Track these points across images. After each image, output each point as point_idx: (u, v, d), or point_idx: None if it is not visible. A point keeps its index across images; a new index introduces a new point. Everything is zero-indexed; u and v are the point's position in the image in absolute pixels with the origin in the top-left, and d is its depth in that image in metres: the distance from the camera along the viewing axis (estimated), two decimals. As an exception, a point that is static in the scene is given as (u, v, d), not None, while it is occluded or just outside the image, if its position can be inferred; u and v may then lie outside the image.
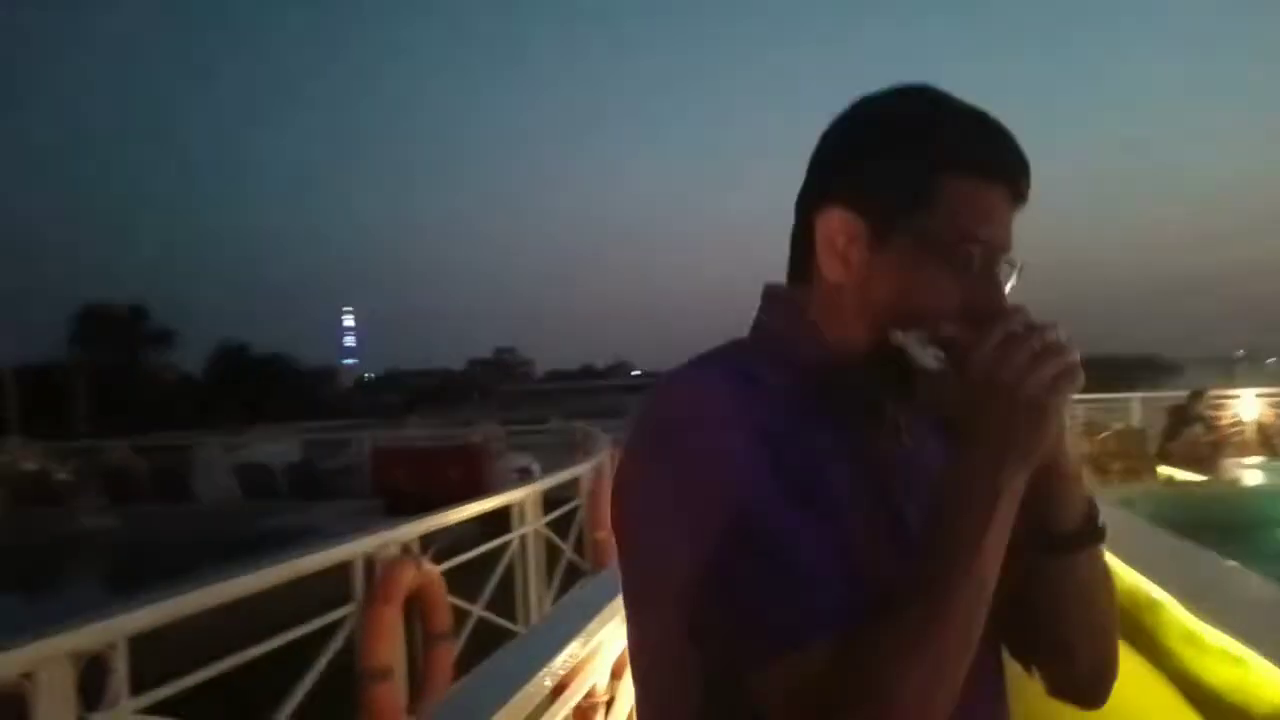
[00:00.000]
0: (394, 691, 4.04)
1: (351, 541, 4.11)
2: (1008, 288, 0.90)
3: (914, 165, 0.88)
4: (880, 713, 0.75)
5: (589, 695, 2.29)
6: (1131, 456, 12.53)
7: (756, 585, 0.79)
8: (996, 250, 0.89)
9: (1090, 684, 0.99)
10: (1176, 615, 4.93)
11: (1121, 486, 11.21)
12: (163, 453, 17.93)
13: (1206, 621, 4.57)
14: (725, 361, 0.93)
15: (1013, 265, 0.91)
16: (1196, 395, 12.75)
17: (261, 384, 66.45)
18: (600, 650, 2.30)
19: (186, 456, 16.96)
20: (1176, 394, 13.69)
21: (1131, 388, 17.16)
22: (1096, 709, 1.01)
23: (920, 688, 0.76)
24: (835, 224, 0.91)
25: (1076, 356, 0.80)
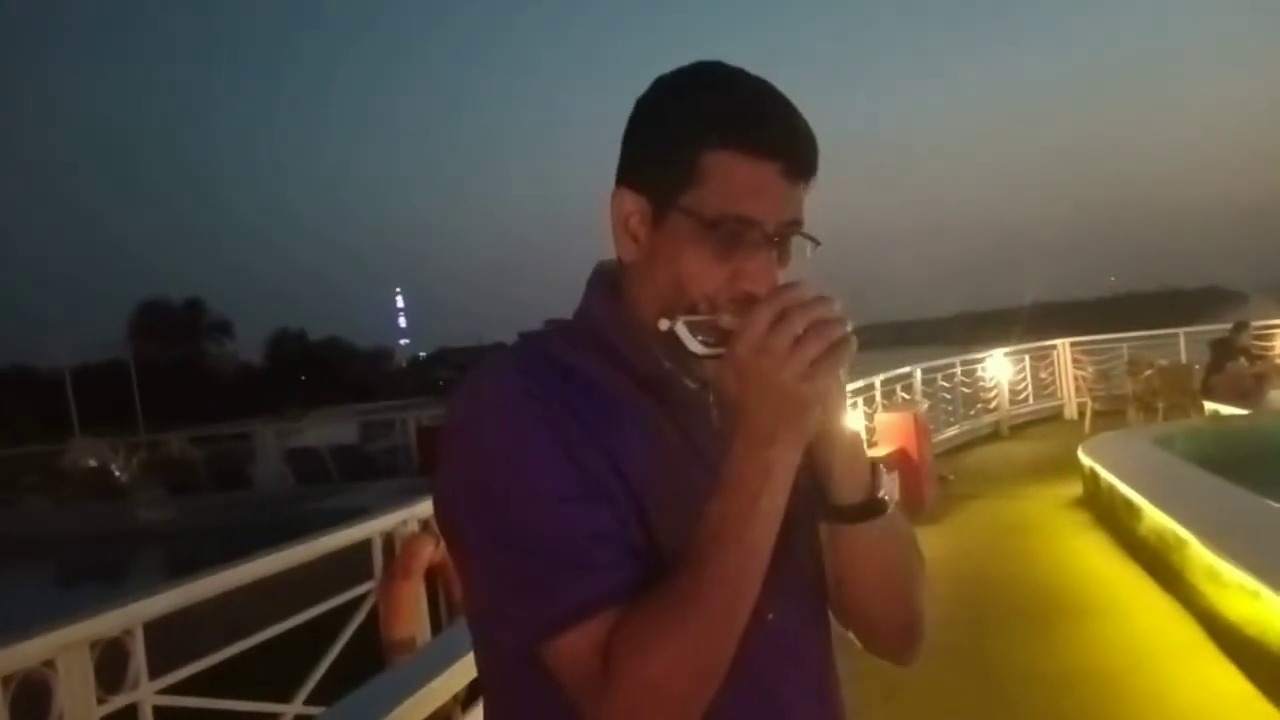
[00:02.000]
0: (417, 662, 4.19)
1: (370, 520, 4.25)
2: (794, 262, 0.90)
3: (679, 142, 0.88)
4: (649, 673, 0.80)
5: None
6: (1176, 393, 12.31)
7: (546, 570, 0.83)
8: (774, 227, 0.88)
9: (896, 644, 1.03)
10: (1200, 553, 4.94)
11: (1166, 424, 11.07)
12: (220, 442, 18.43)
13: (1226, 558, 4.58)
14: (535, 354, 0.94)
15: (811, 239, 0.91)
16: (1240, 327, 12.41)
17: (319, 368, 67.65)
18: None
19: (243, 445, 17.43)
20: (1221, 327, 13.34)
21: (1192, 321, 16.80)
22: (906, 666, 1.04)
23: (690, 644, 0.81)
24: (626, 203, 0.92)
25: (844, 331, 0.81)
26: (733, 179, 0.87)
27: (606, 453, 0.87)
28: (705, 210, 0.87)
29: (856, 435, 0.95)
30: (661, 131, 0.90)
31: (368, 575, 4.22)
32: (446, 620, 4.65)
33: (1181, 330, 15.27)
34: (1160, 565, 5.70)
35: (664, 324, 0.86)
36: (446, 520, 0.93)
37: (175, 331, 64.05)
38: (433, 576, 4.53)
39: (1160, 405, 12.38)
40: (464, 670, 2.01)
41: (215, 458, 16.01)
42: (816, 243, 0.91)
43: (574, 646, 0.82)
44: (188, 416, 38.17)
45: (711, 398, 0.93)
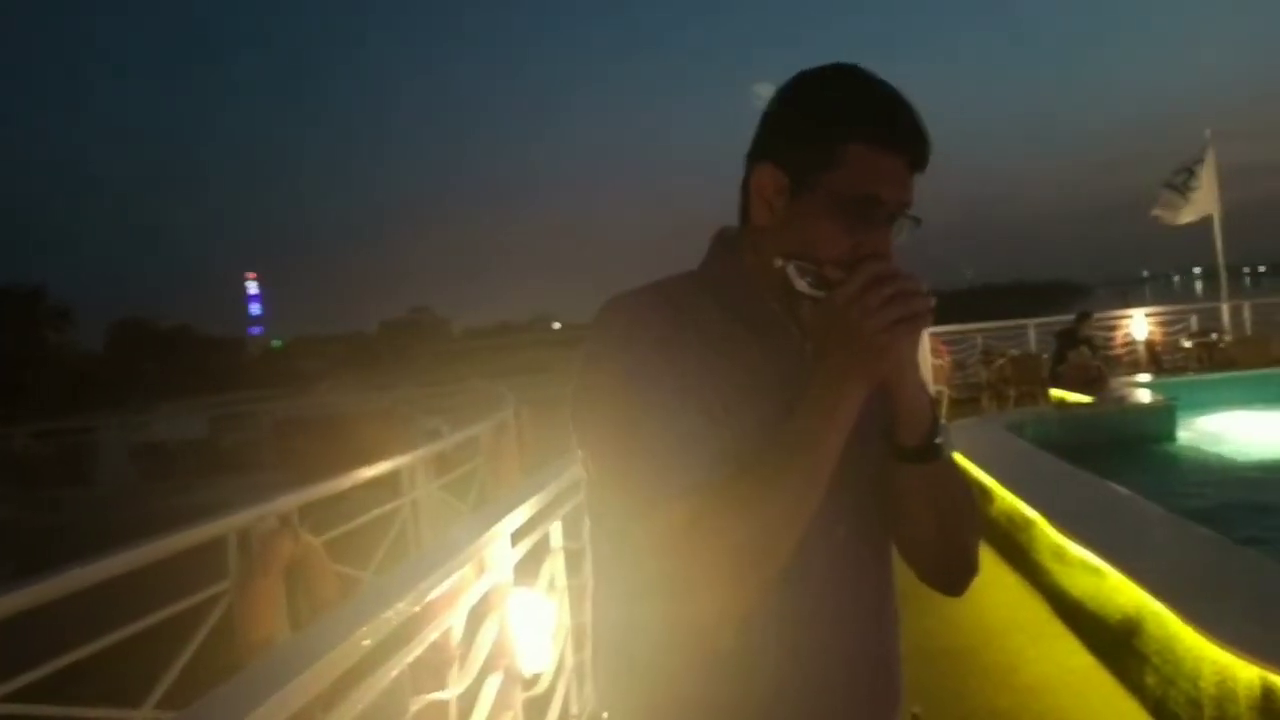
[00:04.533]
0: (277, 662, 4.02)
1: (224, 517, 4.05)
2: (899, 238, 1.08)
3: (826, 132, 1.06)
4: (726, 540, 0.98)
5: (438, 648, 2.30)
6: (1026, 381, 12.96)
7: (661, 458, 1.02)
8: (894, 208, 1.07)
9: (947, 575, 1.22)
10: (1047, 532, 5.19)
11: (1017, 411, 11.64)
12: (63, 437, 17.45)
13: (1070, 538, 4.84)
14: (656, 292, 1.14)
15: (915, 220, 1.09)
16: (1083, 318, 13.15)
17: (167, 358, 64.48)
18: (457, 598, 2.30)
19: (87, 440, 16.50)
20: (1067, 318, 14.10)
21: (1041, 312, 17.66)
22: (956, 596, 1.24)
23: (759, 525, 0.99)
24: (765, 177, 1.10)
25: (926, 304, 1.00)
26: (869, 167, 1.05)
27: (711, 373, 1.07)
28: (843, 190, 1.05)
29: (924, 390, 1.12)
30: (810, 122, 1.08)
31: (222, 574, 4.02)
32: (307, 618, 4.50)
33: (1031, 322, 16.08)
34: (1011, 545, 5.98)
35: (778, 262, 1.07)
36: (581, 421, 1.11)
37: (14, 320, 59.79)
38: (292, 574, 4.37)
39: (1012, 393, 13.02)
40: (326, 669, 1.94)
41: (56, 453, 15.15)
42: (919, 222, 1.10)
43: (668, 520, 1.00)
44: (30, 408, 35.89)
45: (803, 336, 1.12)
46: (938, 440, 1.12)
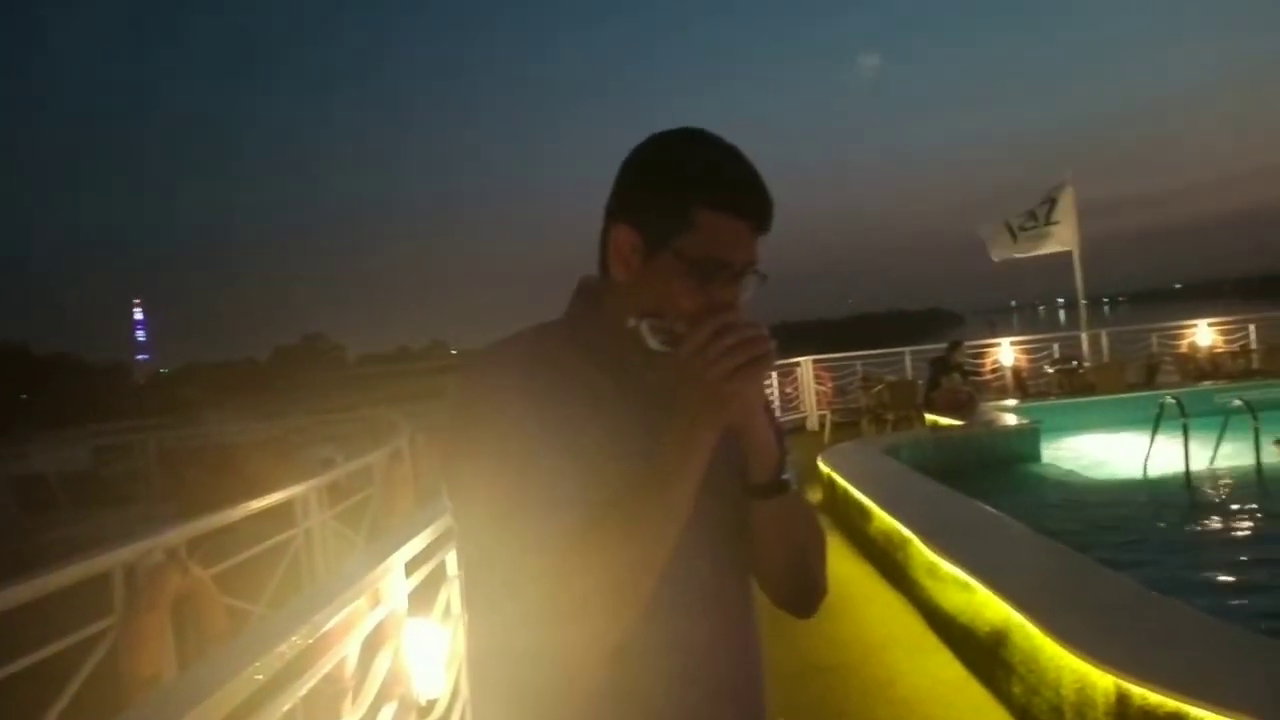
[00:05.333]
0: (165, 699, 3.95)
1: (109, 552, 3.97)
2: (747, 295, 1.17)
3: (677, 198, 1.14)
4: (590, 581, 1.06)
5: (332, 679, 2.32)
6: (902, 406, 13.39)
7: (526, 504, 1.09)
8: (741, 268, 1.15)
9: (799, 600, 1.31)
10: (921, 550, 5.45)
11: (894, 434, 12.02)
12: (-73, 470, 16.42)
13: (942, 555, 5.09)
14: (523, 344, 1.22)
15: (762, 276, 1.18)
16: (954, 346, 13.72)
17: (44, 386, 61.37)
18: (351, 630, 2.34)
19: (-46, 473, 15.58)
20: (939, 347, 14.66)
21: (916, 340, 18.26)
22: (808, 618, 1.32)
23: (623, 563, 1.07)
24: (622, 237, 1.17)
25: (767, 349, 1.08)
26: (717, 231, 1.14)
27: (578, 423, 1.14)
28: (694, 252, 1.13)
29: (770, 431, 1.22)
30: (661, 188, 1.15)
31: (107, 610, 3.94)
32: (195, 654, 4.43)
33: (907, 349, 16.65)
34: (888, 563, 6.23)
35: (631, 322, 1.15)
36: (454, 473, 1.16)
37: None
38: (180, 608, 4.30)
39: (890, 417, 13.44)
40: (217, 705, 1.95)
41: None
42: (765, 278, 1.18)
43: (550, 556, 1.07)
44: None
45: (660, 388, 1.17)
46: (785, 476, 1.22)
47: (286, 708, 1.99)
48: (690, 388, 1.08)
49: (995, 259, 14.95)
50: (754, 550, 1.26)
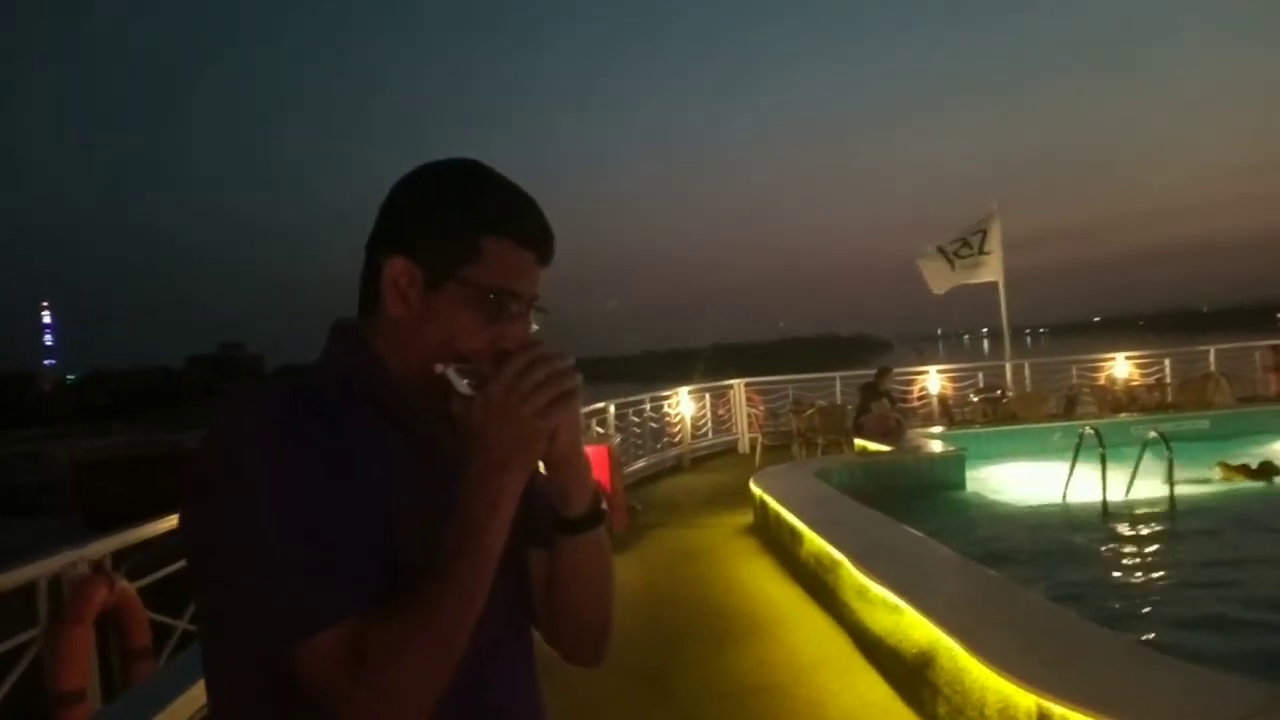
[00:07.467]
0: (87, 713, 3.87)
1: (34, 563, 3.88)
2: (534, 328, 1.12)
3: (464, 228, 1.08)
4: (399, 676, 0.94)
5: None
6: (833, 430, 13.60)
7: (304, 582, 0.94)
8: (527, 301, 1.11)
9: (595, 645, 1.24)
10: (851, 572, 5.54)
11: (825, 458, 12.19)
12: None
13: (871, 578, 5.18)
14: (287, 391, 1.06)
15: (543, 311, 1.14)
16: (883, 373, 13.99)
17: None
18: None
19: None
20: (868, 373, 14.93)
21: (846, 365, 18.58)
22: (598, 666, 1.25)
23: (433, 648, 0.96)
24: (398, 270, 1.08)
25: (575, 382, 1.03)
26: (505, 261, 1.08)
27: (357, 479, 1.01)
28: (482, 282, 1.07)
29: (587, 460, 1.16)
30: (446, 217, 1.09)
31: (31, 622, 3.84)
32: (120, 669, 4.33)
33: (838, 374, 16.94)
34: (818, 585, 6.30)
35: (439, 368, 1.05)
36: (196, 542, 1.00)
37: None
38: (104, 622, 4.20)
39: (820, 441, 13.64)
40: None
41: None
42: (548, 313, 1.15)
43: (325, 650, 0.93)
44: None
45: (449, 431, 1.09)
46: (603, 505, 1.17)
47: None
48: (500, 428, 1.01)
49: (937, 292, 14.99)
50: (556, 595, 1.20)
